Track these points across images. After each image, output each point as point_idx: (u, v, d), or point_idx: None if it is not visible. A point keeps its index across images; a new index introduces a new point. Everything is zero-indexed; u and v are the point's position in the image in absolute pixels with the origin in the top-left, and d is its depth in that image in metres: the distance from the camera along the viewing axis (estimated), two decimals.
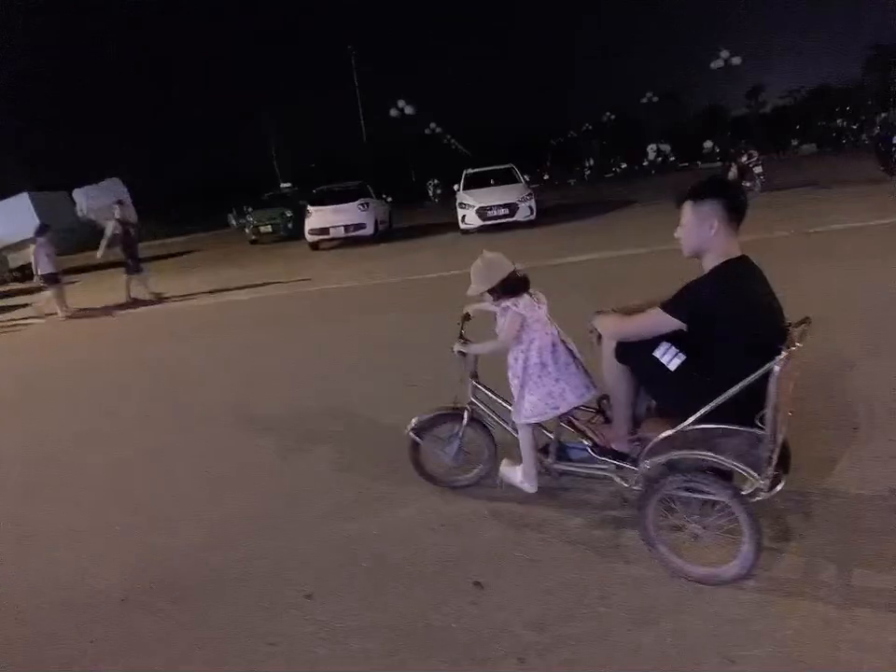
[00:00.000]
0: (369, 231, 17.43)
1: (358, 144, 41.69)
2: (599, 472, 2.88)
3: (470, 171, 18.58)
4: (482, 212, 16.25)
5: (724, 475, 2.44)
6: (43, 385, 6.91)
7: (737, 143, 19.29)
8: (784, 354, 2.22)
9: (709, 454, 2.40)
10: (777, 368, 2.22)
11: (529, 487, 2.97)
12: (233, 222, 37.52)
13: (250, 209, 24.39)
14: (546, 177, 20.57)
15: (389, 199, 27.12)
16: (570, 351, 2.91)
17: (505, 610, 2.44)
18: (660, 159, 38.75)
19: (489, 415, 3.21)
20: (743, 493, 2.36)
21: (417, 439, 3.29)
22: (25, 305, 14.06)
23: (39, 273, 11.38)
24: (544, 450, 3.00)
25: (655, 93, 58.78)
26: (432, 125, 56.07)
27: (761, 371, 2.26)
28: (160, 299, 12.00)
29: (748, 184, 17.05)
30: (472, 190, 17.19)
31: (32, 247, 11.58)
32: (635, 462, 2.67)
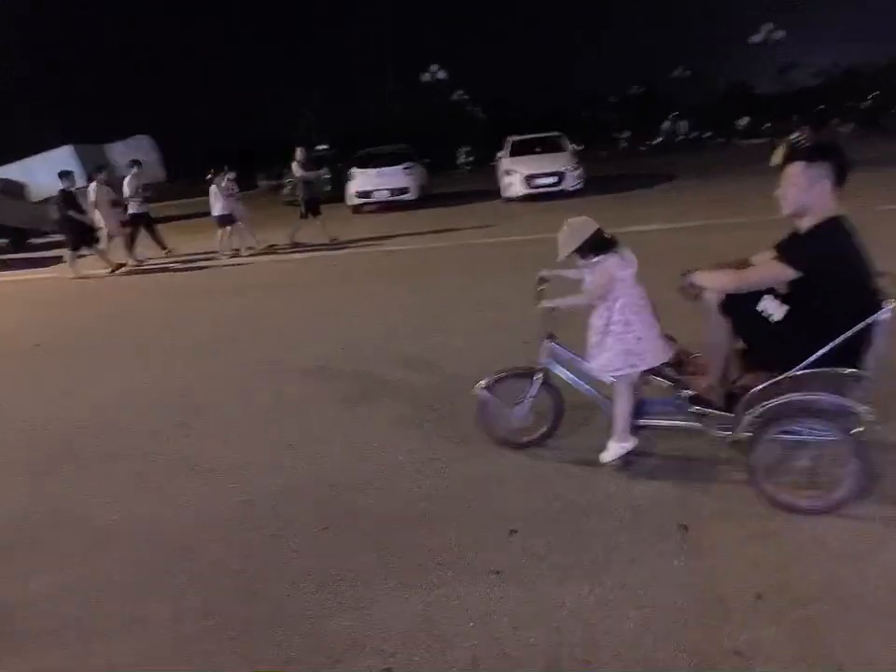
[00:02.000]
0: (412, 195, 17.38)
1: (386, 109, 41.26)
2: (683, 423, 3.06)
3: (516, 137, 18.37)
4: (529, 179, 16.11)
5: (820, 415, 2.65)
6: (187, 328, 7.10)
7: (788, 119, 18.90)
8: (889, 306, 2.48)
9: (827, 394, 2.60)
10: (885, 317, 2.48)
11: (629, 445, 3.09)
12: (263, 183, 37.32)
13: (286, 171, 24.27)
14: (580, 148, 20.14)
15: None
16: (653, 313, 3.03)
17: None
18: (680, 136, 38.25)
19: (564, 376, 3.27)
20: (852, 431, 2.59)
21: (488, 395, 3.36)
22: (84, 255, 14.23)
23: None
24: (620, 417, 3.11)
25: (686, 68, 57.59)
26: (460, 92, 55.32)
27: (870, 319, 2.51)
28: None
29: None
30: (518, 157, 17.02)
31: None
32: (728, 409, 2.89)
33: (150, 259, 12.34)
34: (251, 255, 11.81)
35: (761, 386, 2.70)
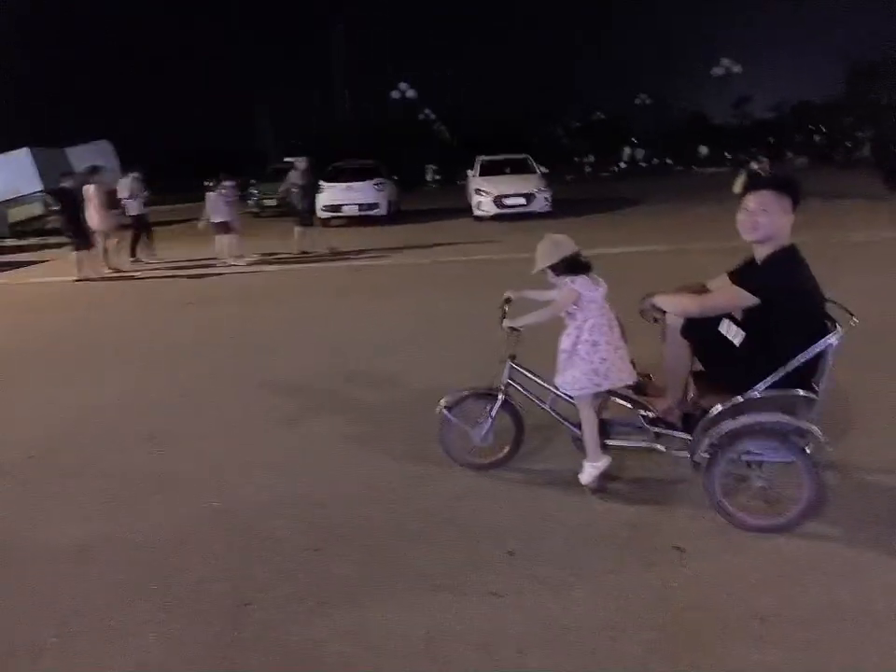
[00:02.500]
0: (382, 211, 17.34)
1: (349, 124, 41.29)
2: (644, 444, 3.12)
3: (486, 158, 18.58)
4: (498, 200, 16.29)
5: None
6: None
7: (749, 150, 19.60)
8: (842, 329, 2.63)
9: (784, 416, 2.71)
10: (834, 342, 2.61)
11: (602, 464, 3.10)
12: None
13: (254, 182, 23.98)
14: (545, 171, 20.48)
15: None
16: (621, 336, 3.10)
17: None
18: (640, 162, 39.42)
19: (527, 396, 3.30)
20: (807, 451, 2.70)
21: (449, 416, 3.34)
22: (40, 262, 13.76)
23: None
24: (580, 425, 3.17)
25: (649, 96, 59.28)
26: (427, 111, 55.78)
27: (823, 343, 2.63)
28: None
29: None
30: (489, 177, 17.19)
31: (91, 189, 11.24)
32: (687, 430, 2.96)
33: (149, 263, 12.25)
34: (246, 264, 11.63)
35: (719, 408, 2.78)
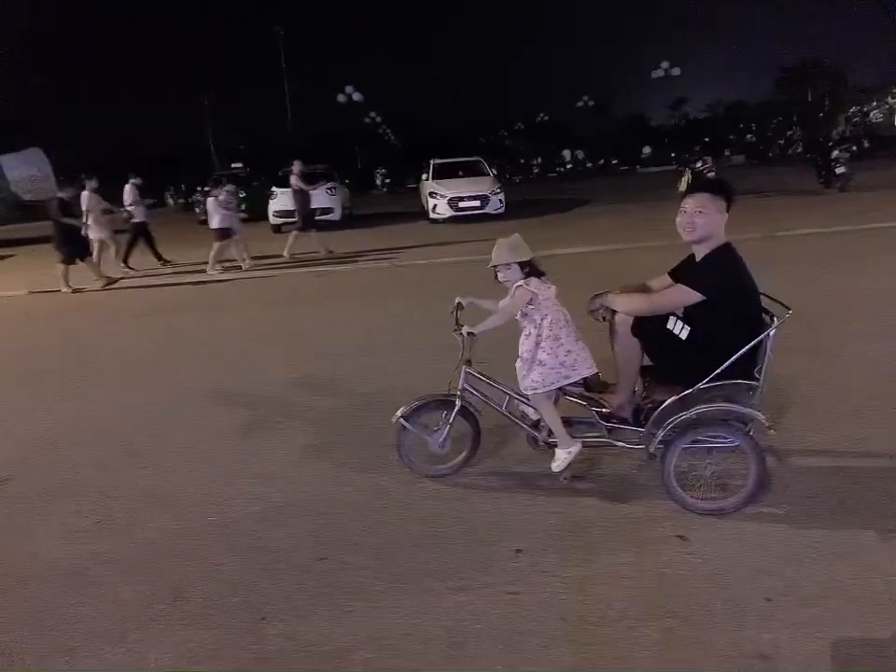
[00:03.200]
0: (336, 216, 17.22)
1: (296, 128, 40.85)
2: (598, 440, 3.24)
3: (438, 161, 18.66)
4: (453, 202, 16.39)
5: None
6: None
7: (692, 150, 20.24)
8: (779, 321, 2.83)
9: (731, 405, 2.91)
10: (773, 332, 2.82)
11: (575, 449, 3.17)
12: (170, 201, 36.03)
13: (200, 189, 23.46)
14: (493, 173, 20.82)
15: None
16: (576, 330, 3.22)
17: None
18: (570, 165, 40.43)
19: (484, 401, 3.37)
20: (752, 435, 2.92)
21: (406, 425, 3.35)
22: None
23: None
24: (535, 425, 3.30)
25: (591, 98, 60.46)
26: (372, 114, 55.55)
27: (764, 335, 2.83)
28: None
29: None
30: (443, 181, 17.27)
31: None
32: (639, 424, 3.13)
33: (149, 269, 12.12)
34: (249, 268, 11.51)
35: (670, 401, 2.94)
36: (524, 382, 3.15)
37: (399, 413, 3.33)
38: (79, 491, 3.60)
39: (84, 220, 10.92)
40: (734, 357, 2.83)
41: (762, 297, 3.02)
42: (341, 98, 37.54)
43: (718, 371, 2.85)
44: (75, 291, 10.32)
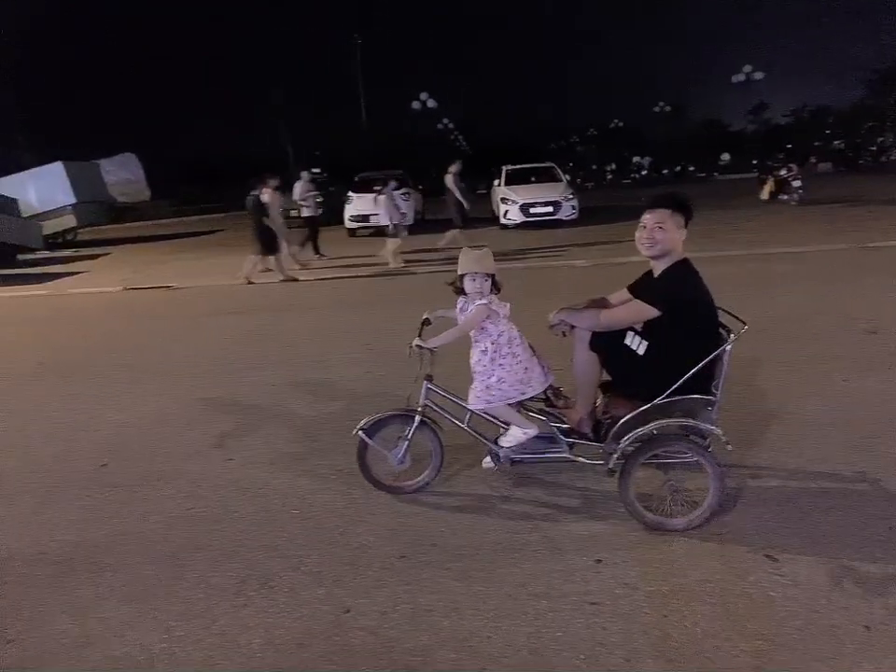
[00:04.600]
0: (409, 220, 17.44)
1: (367, 134, 41.74)
2: (558, 456, 3.21)
3: (510, 167, 18.65)
4: (525, 208, 16.36)
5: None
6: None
7: (773, 157, 19.48)
8: (734, 336, 2.85)
9: (690, 419, 2.92)
10: (729, 348, 2.83)
11: (532, 431, 3.18)
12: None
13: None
14: (567, 178, 20.75)
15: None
16: (530, 346, 3.25)
17: None
18: (645, 171, 39.56)
19: (445, 416, 3.33)
20: (710, 450, 2.92)
21: (367, 439, 3.30)
22: (76, 273, 14.05)
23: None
24: (495, 442, 3.26)
25: (667, 103, 59.11)
26: (445, 121, 56.05)
27: (720, 350, 2.85)
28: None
29: (785, 197, 17.29)
30: (515, 186, 17.27)
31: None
32: (599, 439, 3.12)
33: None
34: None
35: (629, 416, 2.93)
36: (481, 396, 3.16)
37: (359, 425, 3.30)
38: (171, 479, 3.79)
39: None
40: (691, 372, 2.82)
41: (719, 312, 3.02)
42: (415, 105, 38.07)
43: (675, 385, 2.84)
44: (248, 283, 10.94)
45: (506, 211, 16.67)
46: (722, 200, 20.98)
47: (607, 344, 3.10)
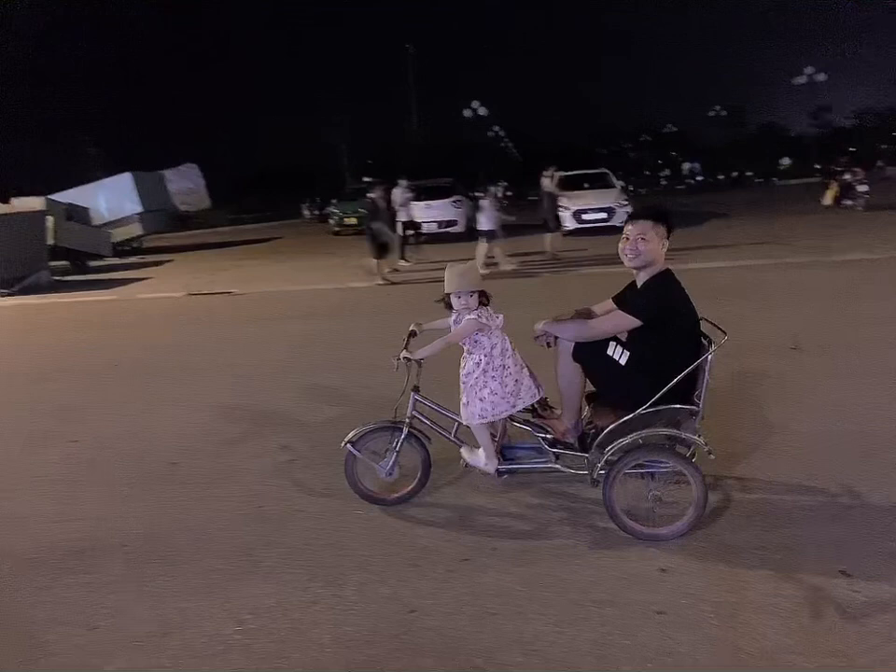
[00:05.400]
0: (460, 227, 17.62)
1: (422, 142, 42.23)
2: (543, 466, 3.22)
3: (563, 173, 18.54)
4: (578, 215, 16.27)
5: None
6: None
7: (837, 160, 18.81)
8: (716, 345, 2.87)
9: (672, 429, 2.95)
10: (710, 357, 2.86)
11: (491, 467, 3.19)
12: (306, 213, 38.51)
13: (335, 201, 24.92)
14: (620, 185, 20.59)
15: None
16: (520, 358, 3.25)
17: None
18: (700, 177, 38.87)
19: (432, 428, 3.32)
20: (692, 461, 2.94)
21: (354, 451, 3.30)
22: (142, 279, 14.68)
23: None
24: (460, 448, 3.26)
25: (723, 107, 57.73)
26: (496, 128, 56.20)
27: (702, 359, 2.88)
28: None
29: (849, 202, 16.69)
30: (567, 192, 17.15)
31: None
32: (584, 449, 3.15)
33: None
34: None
35: (612, 426, 2.96)
36: (471, 409, 3.15)
37: (347, 437, 3.33)
38: (238, 479, 3.93)
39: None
40: (673, 382, 2.84)
41: (701, 322, 3.05)
42: (467, 113, 38.31)
43: (657, 395, 2.85)
44: (383, 283, 11.43)
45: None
46: (783, 205, 20.42)
47: (589, 355, 3.13)
